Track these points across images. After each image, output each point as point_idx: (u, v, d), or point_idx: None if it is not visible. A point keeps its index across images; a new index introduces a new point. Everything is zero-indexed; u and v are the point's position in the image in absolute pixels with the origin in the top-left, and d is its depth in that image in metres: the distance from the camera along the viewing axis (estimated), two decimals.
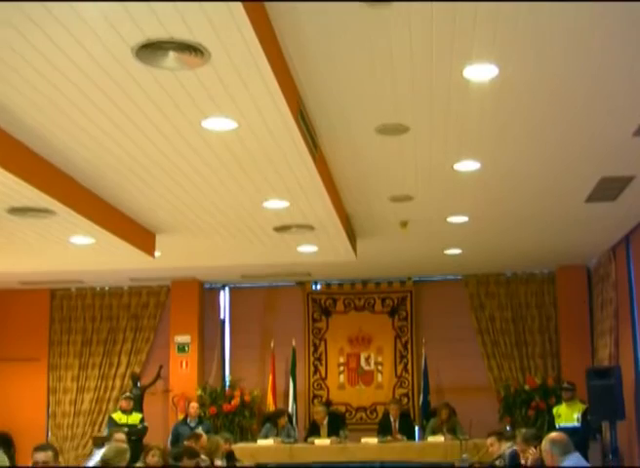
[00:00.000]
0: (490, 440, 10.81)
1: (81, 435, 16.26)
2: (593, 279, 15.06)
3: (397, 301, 16.26)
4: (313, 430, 14.42)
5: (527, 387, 14.86)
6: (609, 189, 10.10)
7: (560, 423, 12.89)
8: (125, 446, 8.84)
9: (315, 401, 16.07)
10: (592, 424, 12.91)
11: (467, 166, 9.11)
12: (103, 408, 16.19)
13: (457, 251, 13.72)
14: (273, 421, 14.39)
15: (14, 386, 16.29)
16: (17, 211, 9.23)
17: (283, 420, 14.36)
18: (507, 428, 14.25)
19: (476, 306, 15.83)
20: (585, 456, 8.23)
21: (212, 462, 11.25)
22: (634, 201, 10.61)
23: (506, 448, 10.08)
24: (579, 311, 15.21)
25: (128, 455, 8.84)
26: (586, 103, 7.41)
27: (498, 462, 10.26)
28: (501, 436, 10.27)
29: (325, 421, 14.38)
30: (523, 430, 9.85)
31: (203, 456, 10.96)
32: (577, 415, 12.95)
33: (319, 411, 14.61)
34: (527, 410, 14.63)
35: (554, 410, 13.37)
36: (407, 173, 9.44)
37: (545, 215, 11.50)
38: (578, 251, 14.01)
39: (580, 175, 9.63)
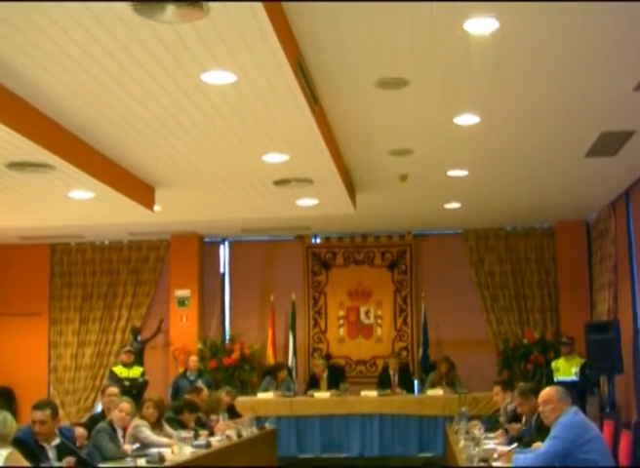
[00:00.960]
0: (495, 389, 10.89)
1: (82, 389, 16.33)
2: (592, 234, 15.05)
3: (397, 255, 16.27)
4: (313, 383, 14.50)
5: (526, 341, 14.91)
6: (609, 144, 10.07)
7: (558, 377, 12.95)
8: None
9: (315, 354, 16.13)
10: (590, 378, 12.98)
11: (467, 120, 9.07)
12: (104, 361, 16.25)
13: (456, 205, 13.70)
14: (273, 375, 14.46)
15: (15, 341, 16.35)
16: (16, 165, 9.21)
17: (283, 374, 14.43)
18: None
19: (475, 260, 15.83)
20: (583, 410, 8.25)
21: (208, 417, 11.31)
22: (634, 156, 10.57)
23: (508, 402, 10.14)
24: (578, 266, 15.22)
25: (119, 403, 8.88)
26: (587, 58, 7.36)
27: (501, 418, 10.31)
28: (507, 386, 10.30)
29: (325, 374, 14.46)
30: (521, 384, 9.89)
31: (214, 416, 11.06)
32: (575, 369, 13.02)
33: (319, 365, 14.68)
34: (525, 364, 14.69)
35: (553, 364, 13.44)
36: (406, 126, 9.41)
37: (545, 170, 11.47)
38: (577, 205, 13.99)
39: (580, 130, 9.59)
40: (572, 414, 6.89)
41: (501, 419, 10.29)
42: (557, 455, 6.70)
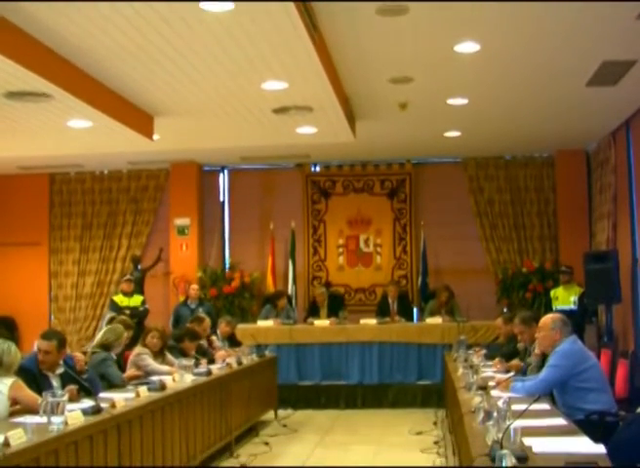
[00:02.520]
0: (498, 321, 10.97)
1: (83, 318, 16.46)
2: (592, 164, 15.01)
3: (396, 183, 16.25)
4: (313, 311, 14.58)
5: (524, 270, 14.97)
6: (610, 73, 10.00)
7: (557, 306, 13.04)
8: (122, 327, 8.92)
9: (315, 282, 16.21)
10: (588, 307, 13.06)
11: (467, 48, 9.02)
12: (105, 290, 16.35)
13: (456, 133, 13.65)
14: (273, 303, 14.52)
15: (15, 271, 16.43)
16: (14, 95, 9.16)
17: (282, 302, 14.49)
18: (505, 310, 14.41)
19: (475, 189, 15.83)
20: (581, 338, 8.31)
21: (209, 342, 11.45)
22: (635, 86, 10.51)
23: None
24: (577, 195, 15.22)
25: (126, 336, 8.96)
26: None
27: (504, 349, 10.38)
28: (509, 320, 10.36)
29: (325, 303, 14.53)
30: (522, 312, 9.93)
31: (213, 337, 11.14)
32: (573, 298, 13.10)
33: (320, 293, 14.74)
34: (524, 293, 14.78)
35: (551, 293, 13.52)
36: (407, 54, 9.34)
37: (546, 99, 11.40)
38: (577, 135, 13.94)
39: (582, 59, 9.52)
40: (570, 343, 6.94)
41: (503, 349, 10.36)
42: (555, 383, 6.77)
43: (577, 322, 11.73)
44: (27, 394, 6.19)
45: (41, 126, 11.15)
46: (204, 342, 11.20)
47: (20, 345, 6.44)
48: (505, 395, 6.22)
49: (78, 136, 11.75)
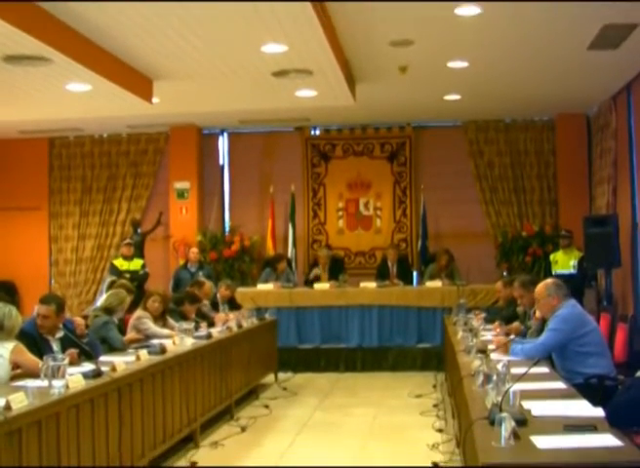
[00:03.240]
0: (498, 284, 11.00)
1: (83, 282, 16.49)
2: (593, 128, 14.97)
3: (396, 147, 16.21)
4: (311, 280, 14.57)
5: (524, 234, 14.97)
6: (611, 37, 9.94)
7: (556, 270, 13.05)
8: (125, 292, 8.94)
9: (315, 245, 16.21)
10: (588, 271, 13.09)
11: (468, 10, 8.96)
12: (105, 254, 16.37)
13: (456, 96, 13.60)
14: (273, 266, 14.55)
15: (16, 235, 16.44)
16: (12, 59, 9.12)
17: (282, 265, 14.51)
18: (504, 274, 14.43)
19: (475, 152, 15.79)
20: (580, 302, 8.33)
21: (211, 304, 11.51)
22: (636, 50, 10.45)
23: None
24: (577, 159, 15.19)
25: (129, 301, 8.98)
26: None
27: (504, 312, 10.41)
28: (509, 283, 10.37)
29: (327, 265, 14.54)
30: (521, 276, 9.94)
31: (205, 301, 11.16)
32: (573, 262, 13.11)
33: (323, 255, 14.74)
34: (524, 257, 14.78)
35: (551, 257, 13.52)
36: (407, 17, 9.28)
37: (546, 62, 11.34)
38: (578, 98, 13.88)
39: (583, 22, 9.47)
40: (570, 307, 6.95)
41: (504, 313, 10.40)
42: (554, 347, 6.80)
43: (576, 286, 11.75)
44: (28, 358, 6.22)
45: (40, 90, 11.11)
46: (205, 305, 11.24)
47: (20, 309, 6.45)
48: (505, 358, 6.24)
49: (77, 99, 11.70)
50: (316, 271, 14.55)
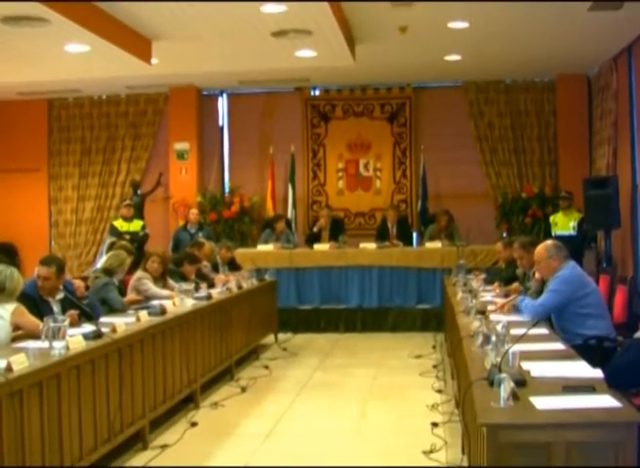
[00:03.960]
0: (497, 246, 11.01)
1: (83, 243, 16.49)
2: (593, 89, 14.89)
3: (396, 107, 16.14)
4: (314, 234, 14.57)
5: (524, 195, 14.94)
6: None
7: (556, 231, 13.05)
8: (125, 254, 8.94)
9: (314, 206, 16.20)
10: (588, 233, 13.08)
11: None
12: (105, 216, 16.35)
13: (456, 57, 13.51)
14: (272, 227, 14.56)
15: (15, 197, 16.42)
16: (10, 20, 9.07)
17: (280, 225, 14.51)
18: (504, 235, 14.44)
19: (475, 113, 15.72)
20: (580, 264, 8.33)
21: (211, 266, 11.53)
22: (638, 11, 10.36)
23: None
24: (577, 121, 15.11)
25: (129, 262, 8.99)
26: None
27: (504, 273, 10.42)
28: (508, 244, 10.37)
29: (328, 225, 14.55)
30: (521, 237, 9.95)
31: (205, 262, 11.17)
32: (573, 224, 13.11)
33: (324, 216, 14.74)
34: (524, 218, 14.77)
35: (551, 219, 13.52)
36: None
37: (548, 22, 11.26)
38: (578, 59, 13.80)
39: None
40: (570, 268, 6.96)
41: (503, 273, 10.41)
42: (554, 308, 6.81)
43: (576, 247, 11.75)
44: (29, 319, 6.24)
45: (38, 51, 11.06)
46: (206, 267, 11.26)
47: (20, 271, 6.46)
48: (504, 319, 6.26)
49: (76, 61, 11.65)
50: (320, 223, 14.53)
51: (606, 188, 12.29)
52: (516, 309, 7.02)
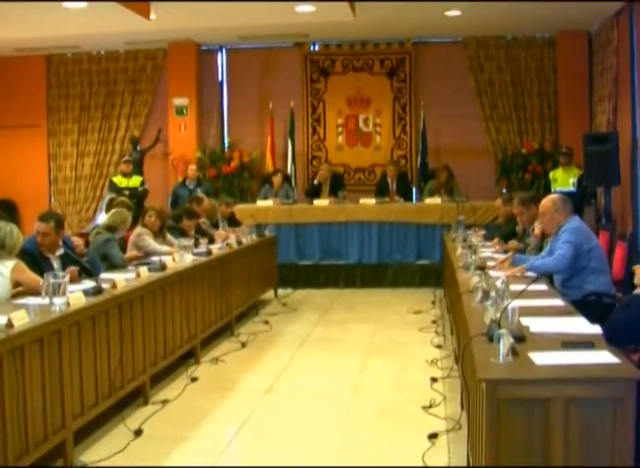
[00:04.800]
0: (497, 202, 11.00)
1: (83, 199, 16.47)
2: (594, 45, 14.78)
3: (396, 63, 16.04)
4: (314, 189, 14.57)
5: (524, 151, 14.91)
6: None
7: (556, 187, 13.02)
8: (127, 211, 8.94)
9: (314, 162, 16.17)
10: (588, 189, 13.05)
11: None
12: (104, 172, 16.30)
13: (457, 12, 13.41)
14: (272, 182, 14.55)
15: (15, 154, 16.35)
16: None
17: (277, 179, 14.52)
18: (504, 191, 14.42)
19: (475, 69, 15.61)
20: None
21: (212, 223, 11.53)
22: None
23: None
24: (578, 77, 15.00)
25: (130, 219, 8.98)
26: None
27: (503, 229, 10.42)
28: (508, 201, 10.36)
29: (328, 180, 14.54)
30: (521, 193, 9.93)
31: (202, 219, 11.16)
32: (572, 180, 13.08)
33: (324, 168, 14.72)
34: (523, 174, 14.74)
35: (550, 175, 13.48)
36: None
37: None
38: (580, 15, 13.66)
39: None
40: (577, 222, 6.99)
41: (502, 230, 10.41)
42: (572, 259, 6.74)
43: (575, 204, 11.64)
44: (30, 276, 6.25)
45: (36, 6, 10.95)
46: (205, 223, 11.26)
47: (20, 228, 6.46)
48: (503, 274, 6.27)
49: (74, 16, 11.56)
50: (321, 174, 14.52)
51: (606, 144, 12.24)
52: (532, 270, 6.87)
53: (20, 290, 6.24)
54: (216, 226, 11.65)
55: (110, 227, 8.59)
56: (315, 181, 14.64)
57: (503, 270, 6.95)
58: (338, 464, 5.53)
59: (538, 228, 7.70)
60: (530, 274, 6.67)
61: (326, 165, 15.03)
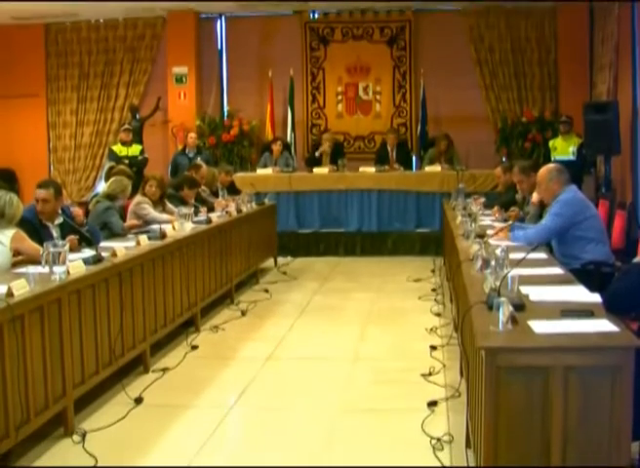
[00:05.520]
0: (497, 170, 10.97)
1: (82, 168, 16.43)
2: (595, 14, 14.69)
3: (396, 31, 15.96)
4: (315, 157, 14.55)
5: (524, 119, 14.87)
6: None
7: (556, 156, 13.00)
8: (127, 180, 8.93)
9: (314, 130, 16.14)
10: (587, 158, 13.02)
11: None
12: (103, 140, 16.26)
13: None
14: (271, 150, 14.53)
15: (14, 123, 16.29)
16: None
17: (277, 147, 14.49)
18: (504, 159, 14.39)
19: (475, 37, 15.52)
20: (579, 189, 8.31)
21: (211, 192, 11.52)
22: None
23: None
24: (578, 45, 14.92)
25: (130, 188, 8.97)
26: None
27: (503, 198, 10.40)
28: (508, 169, 10.33)
29: (330, 149, 14.52)
30: (520, 161, 9.91)
31: (202, 187, 11.15)
32: (572, 149, 13.05)
33: (327, 139, 14.70)
34: (523, 143, 14.72)
35: (550, 143, 13.45)
36: None
37: None
38: None
39: None
40: (572, 192, 6.96)
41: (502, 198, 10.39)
42: (557, 232, 6.79)
43: (575, 172, 11.67)
44: (29, 245, 6.25)
45: None
46: (205, 191, 11.24)
47: (20, 197, 6.46)
48: (503, 243, 6.27)
49: None
50: (324, 148, 14.51)
51: (606, 113, 12.19)
52: (514, 238, 6.98)
53: (20, 258, 6.24)
54: (215, 194, 11.64)
55: (110, 195, 8.58)
56: (317, 153, 14.57)
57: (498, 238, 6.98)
58: (337, 431, 5.57)
59: (536, 197, 7.68)
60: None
61: (328, 134, 15.00)
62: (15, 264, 6.14)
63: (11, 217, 6.22)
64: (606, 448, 3.67)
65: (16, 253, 6.21)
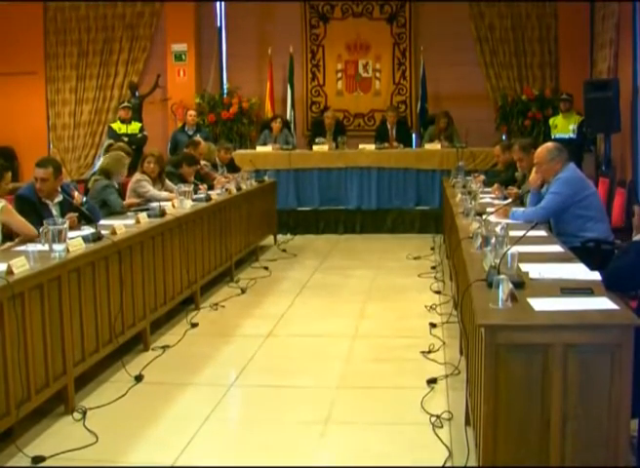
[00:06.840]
0: (497, 148, 10.94)
1: (82, 146, 16.40)
2: None
3: (395, 8, 15.89)
4: (317, 133, 14.52)
5: (524, 97, 14.83)
6: None
7: (556, 134, 12.98)
8: (123, 154, 8.90)
9: (313, 107, 16.12)
10: (587, 136, 13.00)
11: None
12: (103, 118, 16.22)
13: None
14: (271, 128, 14.51)
15: (13, 101, 16.22)
16: None
17: (276, 125, 14.46)
18: (504, 137, 14.37)
19: (475, 14, 15.45)
20: (579, 167, 8.31)
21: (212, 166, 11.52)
22: None
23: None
24: (579, 23, 14.86)
25: (127, 163, 8.94)
26: None
27: (503, 176, 10.39)
28: (508, 147, 10.30)
29: (332, 127, 14.49)
30: (520, 139, 9.89)
31: (203, 162, 11.14)
32: (572, 126, 13.03)
33: (329, 116, 14.67)
34: (523, 120, 14.69)
35: (550, 121, 13.43)
36: None
37: None
38: None
39: None
40: (571, 171, 6.95)
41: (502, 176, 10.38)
42: (556, 211, 6.80)
43: (575, 150, 11.71)
44: (18, 218, 6.29)
45: None
46: (207, 165, 11.23)
47: (19, 175, 6.48)
48: (503, 221, 6.26)
49: None
50: (328, 123, 14.49)
51: (606, 91, 12.15)
52: (513, 217, 6.98)
53: (18, 240, 6.26)
54: (215, 167, 11.64)
55: (106, 171, 8.54)
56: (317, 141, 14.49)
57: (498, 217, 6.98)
58: (337, 408, 5.58)
59: (533, 176, 7.64)
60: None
61: (331, 112, 14.96)
62: (14, 244, 6.16)
63: None
64: (605, 426, 3.68)
65: (5, 227, 6.25)
